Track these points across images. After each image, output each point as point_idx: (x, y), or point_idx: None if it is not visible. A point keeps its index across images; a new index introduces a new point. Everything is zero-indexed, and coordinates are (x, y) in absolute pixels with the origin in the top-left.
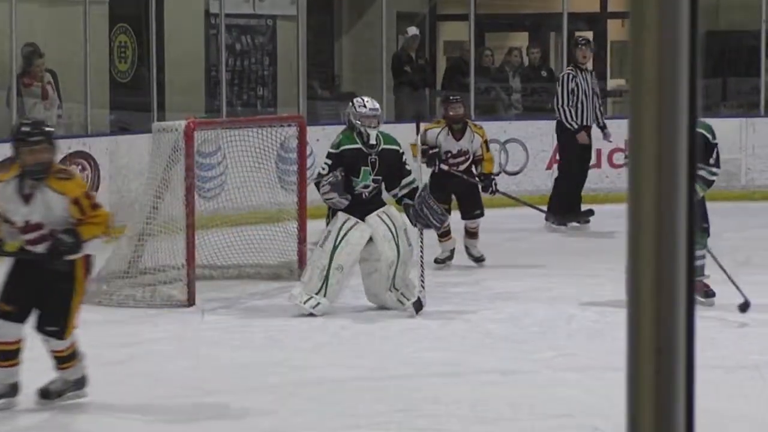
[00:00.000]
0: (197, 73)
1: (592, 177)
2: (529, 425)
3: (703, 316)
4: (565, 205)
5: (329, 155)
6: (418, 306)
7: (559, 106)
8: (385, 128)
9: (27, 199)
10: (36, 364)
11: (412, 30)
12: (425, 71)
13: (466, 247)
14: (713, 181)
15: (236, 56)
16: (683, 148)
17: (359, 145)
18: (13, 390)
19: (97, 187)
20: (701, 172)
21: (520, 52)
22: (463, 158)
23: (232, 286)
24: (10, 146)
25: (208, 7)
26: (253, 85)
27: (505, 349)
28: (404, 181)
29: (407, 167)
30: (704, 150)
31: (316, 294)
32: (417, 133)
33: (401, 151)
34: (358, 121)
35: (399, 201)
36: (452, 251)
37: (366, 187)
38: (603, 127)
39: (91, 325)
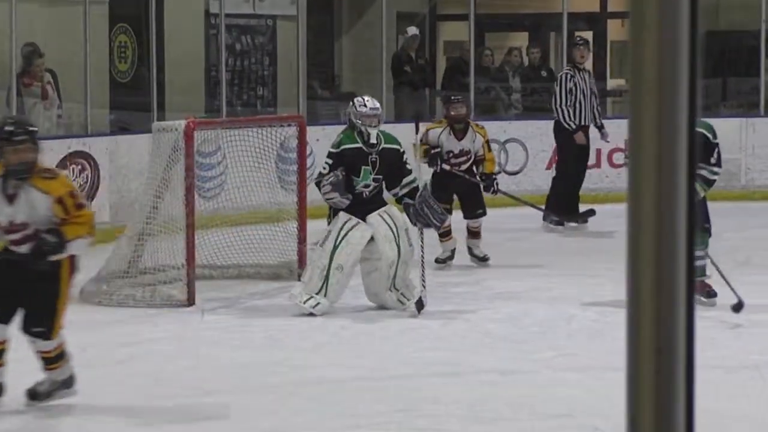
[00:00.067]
0: (197, 73)
1: (593, 177)
2: (528, 425)
3: (703, 316)
4: (564, 205)
5: (330, 155)
6: (420, 306)
7: (557, 106)
8: (384, 128)
9: (11, 198)
10: (21, 365)
11: (412, 30)
12: (425, 71)
13: (469, 248)
14: (714, 180)
15: (236, 56)
16: (683, 148)
17: (360, 145)
18: None
19: (97, 187)
20: (702, 172)
21: (520, 52)
22: (464, 158)
23: (232, 286)
24: None
25: (208, 7)
26: (253, 85)
27: (505, 349)
28: (405, 181)
29: (408, 166)
30: (704, 149)
31: (317, 294)
32: (416, 133)
33: (402, 150)
34: (358, 121)
35: (399, 200)
36: (453, 251)
37: (367, 186)
38: (601, 127)
39: (91, 325)
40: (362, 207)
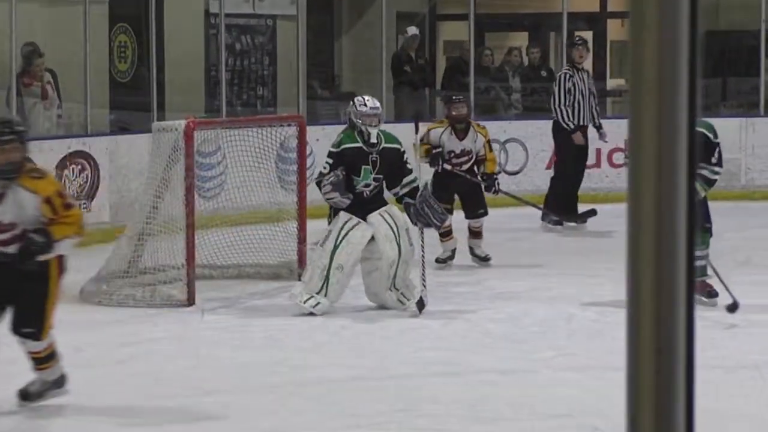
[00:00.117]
0: (197, 73)
1: (593, 177)
2: (528, 425)
3: (703, 316)
4: (562, 205)
5: (330, 154)
6: (421, 305)
7: (556, 105)
8: (384, 128)
9: None
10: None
11: (412, 30)
12: (425, 71)
13: (471, 248)
14: (715, 180)
15: (236, 56)
16: (683, 148)
17: (360, 144)
18: None
19: (97, 187)
20: (703, 172)
21: (520, 51)
22: (466, 158)
23: (232, 285)
24: None
25: (208, 6)
26: (253, 84)
27: (505, 349)
28: (405, 180)
29: (408, 166)
30: (705, 149)
31: (317, 293)
32: (416, 133)
33: (402, 149)
34: (359, 120)
35: (400, 200)
36: (453, 251)
37: (367, 186)
38: (599, 127)
39: (91, 325)
40: (363, 207)
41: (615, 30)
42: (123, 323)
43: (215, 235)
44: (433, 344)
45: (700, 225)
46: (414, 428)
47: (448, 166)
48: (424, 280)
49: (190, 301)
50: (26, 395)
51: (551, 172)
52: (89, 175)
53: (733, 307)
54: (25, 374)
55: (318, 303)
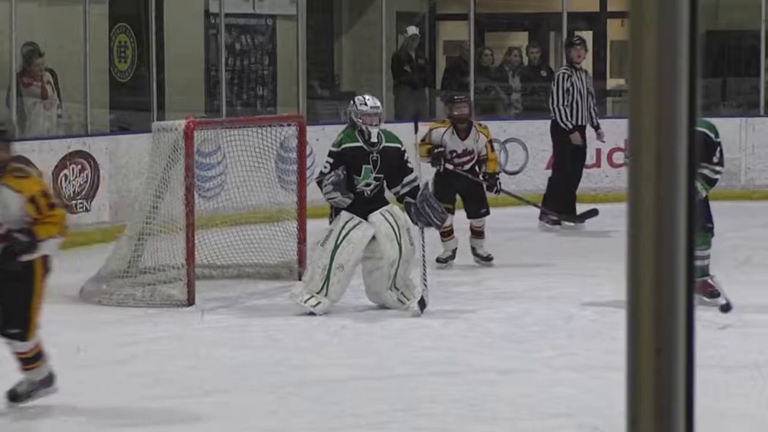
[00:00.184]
0: (197, 73)
1: (593, 177)
2: (528, 425)
3: (702, 316)
4: (561, 205)
5: (330, 154)
6: (422, 305)
7: (555, 105)
8: (384, 128)
9: None
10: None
11: (412, 29)
12: (425, 71)
13: (473, 248)
14: (717, 180)
15: (236, 56)
16: (683, 148)
17: (360, 144)
18: None
19: (97, 187)
20: (704, 171)
21: (520, 51)
22: (468, 158)
23: (232, 285)
24: None
25: (207, 6)
26: (253, 84)
27: (504, 349)
28: (406, 180)
29: (409, 165)
30: (706, 148)
31: (318, 293)
32: (415, 132)
33: (403, 148)
34: (359, 120)
35: (400, 199)
36: (454, 251)
37: (368, 185)
38: (597, 127)
39: (91, 325)
40: (364, 206)
41: (615, 30)
42: (123, 323)
43: (215, 235)
44: (433, 344)
45: (701, 225)
46: (414, 428)
47: (450, 166)
48: (425, 279)
49: (190, 301)
50: (14, 396)
51: (550, 172)
52: (89, 175)
53: (726, 308)
54: (13, 374)
55: (319, 303)
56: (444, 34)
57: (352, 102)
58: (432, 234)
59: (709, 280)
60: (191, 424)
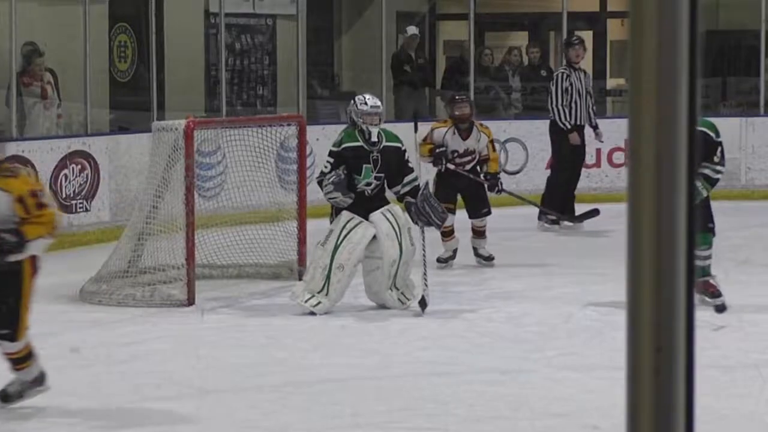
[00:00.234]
0: (197, 73)
1: (593, 176)
2: (528, 424)
3: (702, 315)
4: (559, 204)
5: (331, 153)
6: (423, 304)
7: (553, 105)
8: (384, 127)
9: None
10: None
11: (412, 29)
12: (425, 71)
13: (474, 248)
14: (718, 179)
15: (236, 56)
16: (683, 148)
17: (361, 143)
18: None
19: (97, 187)
20: (705, 171)
21: (520, 51)
22: (469, 158)
23: (232, 285)
24: None
25: (207, 6)
26: (253, 84)
27: (504, 349)
28: (406, 179)
29: (409, 164)
30: (707, 148)
31: (318, 293)
32: (415, 132)
33: (403, 148)
34: (359, 119)
35: (401, 198)
36: (455, 251)
37: (368, 184)
38: (595, 127)
39: (91, 325)
40: (364, 205)
41: (615, 30)
42: (123, 323)
43: (215, 235)
44: (432, 344)
45: (702, 225)
46: (414, 428)
47: (451, 166)
48: (426, 279)
49: (190, 301)
50: (6, 396)
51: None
52: (89, 175)
53: (721, 308)
54: (4, 375)
55: (319, 302)
56: (444, 34)
57: (352, 101)
58: (433, 234)
59: (711, 280)
60: (191, 424)
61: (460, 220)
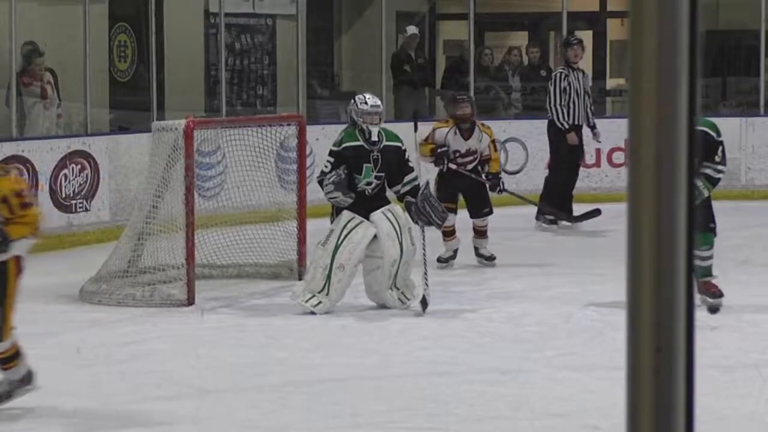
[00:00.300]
0: (197, 73)
1: (593, 176)
2: (528, 424)
3: (703, 315)
4: (557, 204)
5: (331, 153)
6: (424, 304)
7: (551, 105)
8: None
9: None
10: None
11: (412, 29)
12: (425, 70)
13: (476, 248)
14: (719, 179)
15: (236, 55)
16: (683, 148)
17: (361, 143)
18: None
19: (97, 187)
20: (706, 170)
21: (520, 51)
22: (471, 158)
23: (232, 285)
24: None
25: (207, 6)
26: (253, 84)
27: (504, 348)
28: (407, 179)
29: (410, 164)
30: (708, 147)
31: (319, 293)
32: (415, 132)
33: (403, 147)
34: (360, 119)
35: (401, 198)
36: (455, 251)
37: (369, 184)
38: (593, 127)
39: (91, 325)
40: (365, 205)
41: (615, 30)
42: (123, 323)
43: (215, 235)
44: (432, 343)
45: (703, 225)
46: (414, 428)
47: (453, 166)
48: (426, 279)
49: (190, 301)
50: None
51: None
52: (89, 175)
53: (714, 309)
54: None
55: (320, 302)
56: (444, 34)
57: (352, 101)
58: (433, 233)
59: (712, 281)
60: (191, 424)
61: (462, 219)
